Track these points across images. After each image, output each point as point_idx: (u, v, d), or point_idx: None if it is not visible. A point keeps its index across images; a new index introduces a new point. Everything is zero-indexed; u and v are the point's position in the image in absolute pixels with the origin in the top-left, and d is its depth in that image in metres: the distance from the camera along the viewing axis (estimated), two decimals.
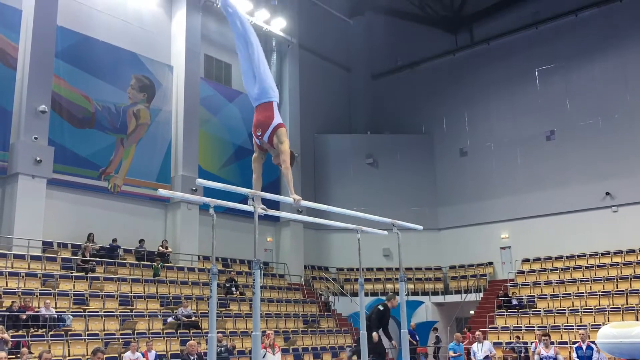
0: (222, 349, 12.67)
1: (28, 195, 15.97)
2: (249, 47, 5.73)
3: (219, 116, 22.50)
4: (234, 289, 18.60)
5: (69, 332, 13.00)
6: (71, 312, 13.77)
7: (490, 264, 24.00)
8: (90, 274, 15.84)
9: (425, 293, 23.74)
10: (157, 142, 20.04)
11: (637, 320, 15.85)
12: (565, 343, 16.31)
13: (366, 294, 22.05)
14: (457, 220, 25.06)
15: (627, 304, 17.60)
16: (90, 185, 17.99)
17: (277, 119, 5.53)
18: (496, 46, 25.33)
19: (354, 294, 22.81)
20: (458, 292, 23.47)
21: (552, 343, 13.68)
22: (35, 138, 16.34)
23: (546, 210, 22.61)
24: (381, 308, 9.52)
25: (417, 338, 18.87)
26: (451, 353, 13.92)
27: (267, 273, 21.85)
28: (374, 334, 9.08)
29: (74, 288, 14.91)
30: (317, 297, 22.28)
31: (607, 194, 21.43)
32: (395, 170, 26.16)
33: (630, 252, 20.42)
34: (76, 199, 17.63)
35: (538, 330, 16.26)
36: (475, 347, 13.84)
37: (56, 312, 13.39)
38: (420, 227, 7.19)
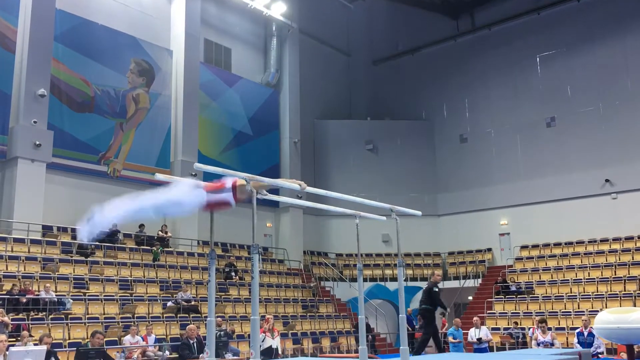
0: (222, 333, 12.73)
1: (27, 179, 15.98)
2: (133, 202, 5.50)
3: (218, 101, 22.44)
4: (233, 273, 18.66)
5: (69, 316, 13.06)
6: (71, 295, 13.83)
7: (489, 250, 24.07)
8: (90, 258, 15.88)
9: (424, 279, 23.78)
10: (157, 127, 20.01)
11: (635, 306, 15.92)
12: (563, 329, 16.41)
13: (365, 280, 22.16)
14: (457, 206, 25.09)
15: (625, 291, 17.68)
16: (90, 169, 17.98)
17: (224, 193, 5.18)
18: (497, 32, 25.19)
19: (353, 279, 22.89)
20: (457, 278, 23.57)
21: (550, 329, 13.76)
22: (35, 122, 16.31)
23: (545, 197, 22.62)
24: (437, 290, 11.15)
25: (414, 324, 18.96)
26: (450, 339, 13.98)
27: (267, 258, 21.92)
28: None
29: (73, 272, 14.97)
30: (316, 282, 22.35)
31: (607, 181, 21.44)
32: (395, 157, 26.14)
33: (629, 239, 20.47)
34: (76, 183, 17.63)
35: (536, 316, 16.36)
36: (472, 332, 13.91)
37: (56, 295, 13.45)
38: (419, 213, 7.19)
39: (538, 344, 13.09)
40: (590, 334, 12.93)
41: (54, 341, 11.08)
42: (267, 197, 5.51)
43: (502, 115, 24.61)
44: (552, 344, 13.11)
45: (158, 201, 5.32)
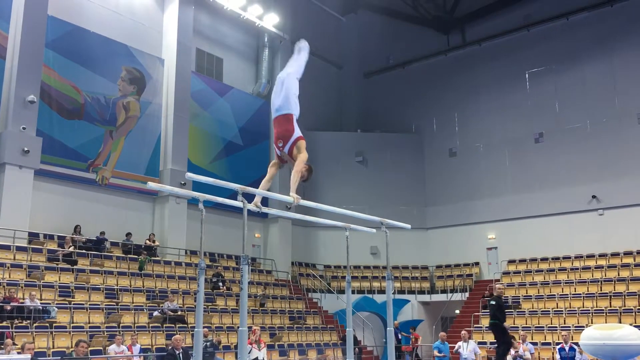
0: (208, 343, 12.66)
1: (15, 185, 15.86)
2: (297, 57, 6.27)
3: (209, 110, 22.44)
4: (220, 283, 18.58)
5: (54, 324, 12.92)
6: (56, 304, 13.69)
7: (477, 264, 24.15)
8: (75, 267, 15.74)
9: (411, 292, 23.86)
10: (147, 135, 19.96)
11: (620, 322, 16.01)
12: (549, 344, 16.46)
13: (352, 292, 22.13)
14: (445, 220, 25.18)
15: (610, 307, 17.79)
16: (78, 177, 17.88)
17: (297, 132, 5.83)
18: (487, 47, 25.45)
19: (341, 291, 22.87)
20: (444, 291, 23.61)
21: (519, 342, 14.00)
22: (24, 128, 16.21)
23: (533, 212, 22.77)
24: (493, 302, 11.06)
25: (400, 337, 18.96)
26: (436, 352, 14.00)
27: (255, 269, 21.84)
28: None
29: (59, 280, 14.83)
30: (303, 294, 22.31)
31: (594, 197, 21.62)
32: (384, 169, 26.24)
33: (614, 255, 20.63)
34: (64, 190, 17.52)
35: (522, 330, 16.39)
36: (460, 345, 13.94)
37: (41, 303, 13.31)
38: (409, 226, 7.22)
39: (513, 359, 13.28)
40: (572, 349, 13.10)
41: (38, 349, 10.97)
42: (263, 209, 5.59)
43: (491, 130, 24.80)
44: (523, 356, 13.29)
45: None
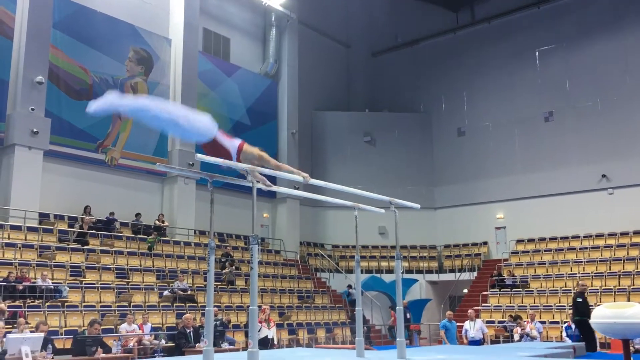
0: (218, 322, 12.78)
1: (25, 166, 15.95)
2: (155, 103, 5.22)
3: (217, 91, 22.38)
4: (228, 263, 18.68)
5: (66, 304, 13.08)
6: (68, 283, 13.85)
7: (485, 243, 24.15)
8: (86, 247, 15.88)
9: (419, 271, 23.92)
10: None
11: (629, 301, 16.01)
12: (557, 322, 16.49)
13: (361, 272, 22.21)
14: (453, 199, 25.15)
15: (619, 286, 17.77)
16: (88, 157, 17.95)
17: (231, 144, 5.38)
18: (497, 25, 25.15)
19: (349, 270, 22.97)
20: (452, 270, 23.66)
21: (526, 321, 14.09)
22: (32, 109, 16.26)
23: (542, 191, 22.68)
24: (580, 300, 11.63)
25: (408, 316, 19.04)
26: (443, 331, 14.06)
27: (263, 249, 21.94)
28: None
29: (70, 260, 14.98)
30: (312, 274, 22.42)
31: (603, 176, 21.49)
32: (392, 149, 26.16)
33: (624, 234, 20.56)
34: (73, 171, 17.60)
35: (530, 309, 16.44)
36: (467, 324, 13.99)
37: (53, 283, 13.47)
38: (418, 206, 7.20)
39: (520, 337, 13.33)
40: None
41: (50, 329, 11.11)
42: (271, 188, 5.56)
43: (500, 109, 24.62)
44: (530, 334, 13.34)
45: (175, 111, 5.23)
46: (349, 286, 21.31)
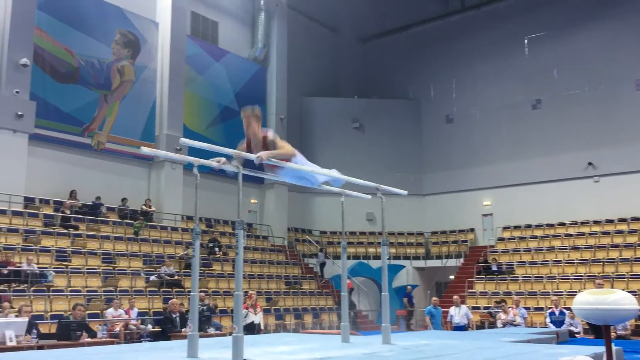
0: (204, 307, 12.78)
1: (9, 149, 15.78)
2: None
3: (205, 75, 22.21)
4: (216, 249, 18.68)
5: (51, 288, 13.02)
6: (53, 268, 13.77)
7: (472, 230, 24.32)
8: (72, 231, 15.79)
9: (406, 257, 24.06)
10: (142, 100, 19.78)
11: (612, 288, 16.22)
12: (542, 309, 16.66)
13: (348, 257, 22.28)
14: (441, 186, 25.26)
15: (603, 272, 17.97)
16: (73, 141, 17.79)
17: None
18: (487, 12, 25.13)
19: (336, 256, 23.03)
20: (439, 257, 23.83)
21: (510, 307, 14.12)
22: (17, 92, 16.06)
23: (529, 178, 22.83)
24: None
25: (413, 302, 19.16)
26: (428, 317, 14.17)
27: (251, 234, 21.94)
28: None
29: (56, 244, 14.89)
30: (299, 259, 22.47)
31: (590, 164, 21.66)
32: (381, 136, 26.16)
33: (609, 222, 20.77)
34: (59, 155, 17.44)
35: (515, 295, 16.58)
36: (452, 310, 14.11)
37: (38, 267, 13.39)
38: (405, 192, 7.19)
39: (503, 324, 13.44)
40: (562, 313, 13.33)
41: (35, 313, 11.07)
42: (258, 174, 5.48)
43: (488, 96, 24.68)
44: (513, 322, 13.46)
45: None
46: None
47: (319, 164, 6.16)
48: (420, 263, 24.11)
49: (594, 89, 22.04)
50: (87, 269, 14.51)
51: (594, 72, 22.04)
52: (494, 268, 20.26)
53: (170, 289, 15.19)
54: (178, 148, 18.51)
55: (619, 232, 19.98)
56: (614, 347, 4.24)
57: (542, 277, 18.86)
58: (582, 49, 22.44)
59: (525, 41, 23.96)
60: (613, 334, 11.02)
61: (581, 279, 17.85)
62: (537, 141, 22.95)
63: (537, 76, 23.43)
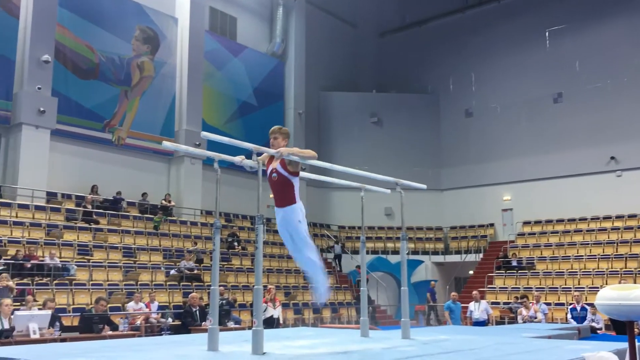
0: (224, 302, 12.86)
1: (32, 145, 16.00)
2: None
3: (223, 71, 22.29)
4: (235, 243, 18.77)
5: (73, 282, 13.19)
6: (75, 262, 13.95)
7: (491, 225, 24.13)
8: (93, 226, 15.97)
9: (425, 252, 23.96)
10: (161, 95, 19.93)
11: (635, 283, 16.01)
12: (563, 304, 16.52)
13: (367, 252, 22.25)
14: (460, 181, 25.08)
15: (625, 268, 17.75)
16: (94, 137, 17.98)
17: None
18: (507, 5, 24.84)
19: (355, 251, 23.01)
20: (458, 252, 23.69)
21: (531, 303, 13.98)
22: (39, 88, 16.26)
23: (549, 173, 22.57)
24: None
25: (436, 298, 19.09)
26: (447, 312, 14.11)
27: (269, 229, 21.95)
28: None
29: (77, 239, 15.08)
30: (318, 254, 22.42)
31: (612, 158, 21.35)
32: (399, 130, 26.04)
33: (632, 216, 20.47)
34: (80, 150, 17.65)
35: (536, 291, 16.45)
36: (472, 306, 14.03)
37: (60, 261, 13.57)
38: (424, 187, 7.15)
39: (524, 320, 13.33)
40: (583, 309, 13.19)
41: (58, 306, 11.22)
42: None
43: (508, 90, 24.41)
44: (534, 318, 13.34)
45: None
46: (358, 267, 21.36)
47: (337, 158, 6.16)
48: (439, 258, 23.99)
49: (616, 82, 21.69)
50: (109, 262, 14.68)
51: (617, 64, 21.70)
52: (514, 263, 20.09)
53: (189, 283, 15.30)
54: (197, 143, 18.63)
55: None
56: (637, 343, 4.18)
57: (563, 272, 18.67)
58: (604, 41, 22.09)
59: (547, 34, 23.65)
60: (636, 330, 10.88)
61: (603, 274, 17.63)
62: (558, 135, 22.66)
63: (558, 69, 23.11)
